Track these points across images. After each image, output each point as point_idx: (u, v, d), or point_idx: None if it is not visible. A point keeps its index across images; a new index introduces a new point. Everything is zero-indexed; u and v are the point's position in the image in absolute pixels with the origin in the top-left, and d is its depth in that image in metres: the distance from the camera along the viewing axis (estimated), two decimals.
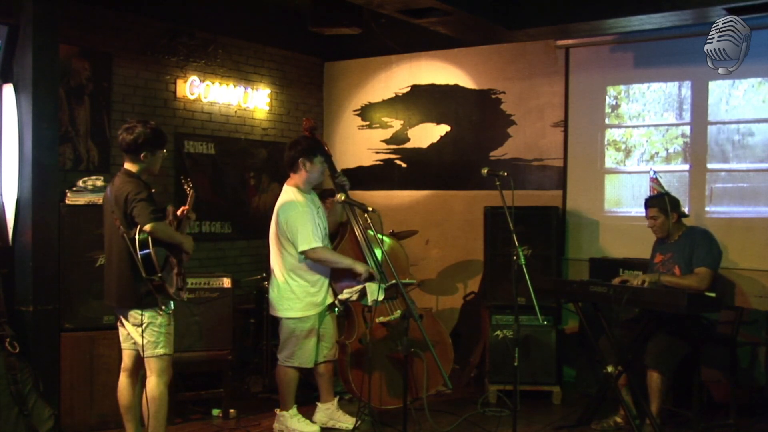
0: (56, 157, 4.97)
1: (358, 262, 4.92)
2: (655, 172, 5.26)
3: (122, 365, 4.33)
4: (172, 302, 4.21)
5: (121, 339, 4.31)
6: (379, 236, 5.07)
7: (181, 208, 4.35)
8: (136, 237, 3.98)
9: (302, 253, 4.78)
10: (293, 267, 4.86)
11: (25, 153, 4.79)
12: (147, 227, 3.96)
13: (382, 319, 4.98)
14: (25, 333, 4.71)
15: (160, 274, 4.00)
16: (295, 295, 4.86)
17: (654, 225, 5.10)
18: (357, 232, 5.14)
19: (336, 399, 5.10)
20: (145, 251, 3.97)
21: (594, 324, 5.16)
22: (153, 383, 4.16)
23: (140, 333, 4.10)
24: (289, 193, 4.93)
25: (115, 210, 4.07)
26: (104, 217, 4.24)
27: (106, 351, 4.98)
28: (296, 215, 4.80)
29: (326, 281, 4.93)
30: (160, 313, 4.15)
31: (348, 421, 5.01)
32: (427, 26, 5.73)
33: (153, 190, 4.17)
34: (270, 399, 5.66)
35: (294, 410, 4.96)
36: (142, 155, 4.15)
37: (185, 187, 4.53)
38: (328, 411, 5.07)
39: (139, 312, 4.09)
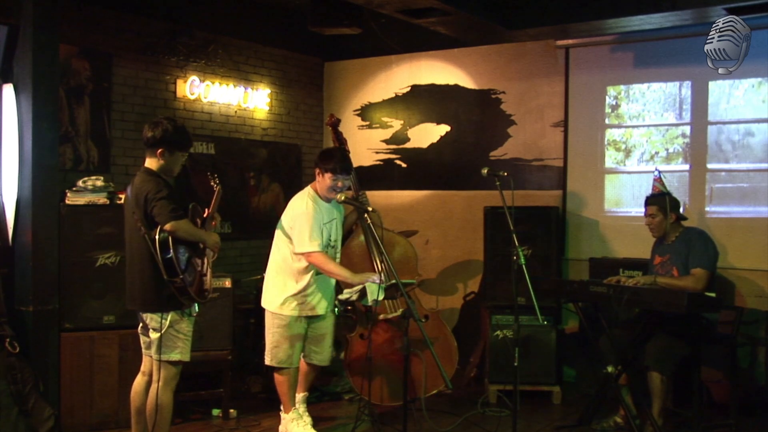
0: (56, 157, 4.96)
1: (357, 274, 4.77)
2: (659, 171, 5.26)
3: (142, 367, 4.25)
4: (196, 305, 4.12)
5: (143, 345, 4.22)
6: (392, 234, 5.25)
7: (206, 210, 4.24)
8: (157, 237, 3.87)
9: (300, 254, 4.74)
10: (283, 265, 4.84)
11: (25, 153, 4.79)
12: (167, 226, 3.84)
13: (382, 316, 5.00)
14: (25, 333, 4.71)
15: (181, 276, 3.89)
16: (276, 289, 4.85)
17: (651, 223, 5.09)
18: (364, 233, 5.18)
19: (303, 394, 5.04)
20: (166, 252, 3.85)
21: (594, 324, 5.16)
22: (159, 390, 4.05)
23: (158, 336, 4.00)
24: (304, 192, 4.93)
25: (135, 210, 3.96)
26: (125, 219, 4.12)
27: (106, 351, 4.98)
28: (301, 217, 4.77)
29: (317, 288, 4.85)
30: (184, 317, 4.06)
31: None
32: (427, 26, 5.73)
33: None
34: (270, 399, 5.66)
35: (294, 413, 4.91)
36: (159, 151, 4.02)
37: (212, 183, 4.38)
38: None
39: (159, 315, 3.99)
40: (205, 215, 4.23)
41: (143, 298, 4.02)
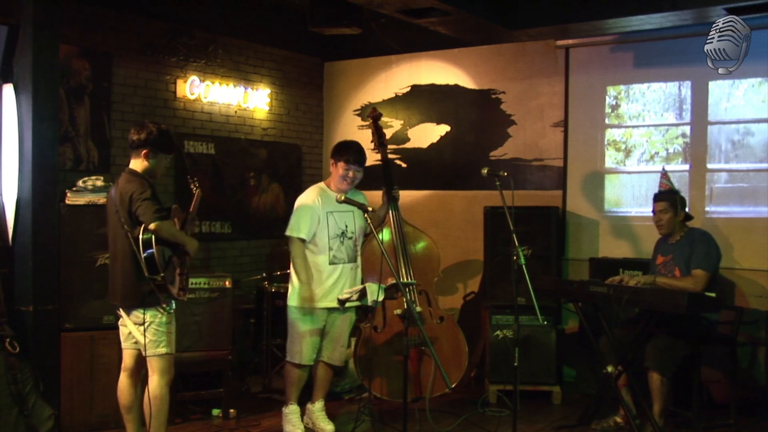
0: (56, 157, 4.96)
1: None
2: (666, 170, 5.28)
3: (123, 365, 4.33)
4: (174, 302, 4.22)
5: (122, 338, 4.31)
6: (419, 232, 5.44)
7: (186, 212, 4.35)
8: (140, 236, 3.99)
9: (286, 236, 4.89)
10: (292, 256, 4.94)
11: (25, 153, 4.79)
12: (152, 226, 3.96)
13: (398, 311, 5.00)
14: (25, 333, 4.71)
15: (162, 274, 4.01)
16: (292, 284, 4.96)
17: (661, 219, 5.06)
18: (388, 233, 5.26)
19: (321, 401, 5.06)
20: (148, 251, 3.98)
21: (594, 324, 5.16)
22: (155, 383, 4.16)
23: (142, 332, 4.11)
24: (312, 186, 5.08)
25: (119, 209, 4.08)
26: (108, 217, 4.24)
27: (106, 351, 4.98)
28: (297, 203, 4.95)
29: (337, 279, 4.89)
30: (162, 312, 4.16)
31: (325, 428, 4.98)
32: (427, 26, 5.73)
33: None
34: (270, 399, 5.66)
35: (292, 407, 4.98)
36: (143, 152, 4.16)
37: (191, 186, 4.50)
38: (308, 410, 5.09)
39: (142, 311, 4.10)
40: (186, 216, 4.34)
41: (123, 294, 4.15)
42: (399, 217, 5.35)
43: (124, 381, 4.30)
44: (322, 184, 5.05)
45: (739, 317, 5.15)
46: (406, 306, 4.57)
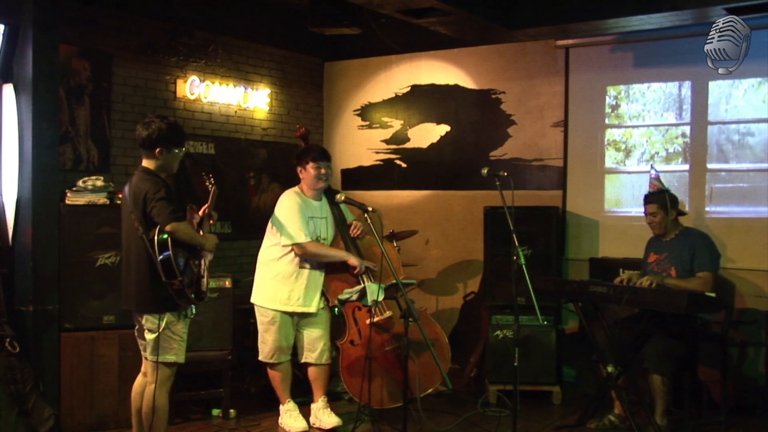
0: (56, 157, 4.97)
1: (352, 255, 4.97)
2: (656, 170, 5.28)
3: (142, 368, 4.22)
4: (193, 307, 4.09)
5: (141, 348, 4.17)
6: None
7: (203, 208, 4.24)
8: (155, 238, 3.82)
9: (291, 246, 4.89)
10: (266, 258, 5.04)
11: (25, 153, 4.79)
12: (168, 227, 3.80)
13: (368, 321, 4.98)
14: (25, 333, 4.71)
15: (180, 278, 3.84)
16: (262, 283, 5.05)
17: (653, 221, 5.11)
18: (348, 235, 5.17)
19: (322, 399, 5.10)
20: (164, 253, 3.80)
21: (594, 323, 5.16)
22: (154, 390, 4.03)
23: (155, 337, 3.98)
24: (290, 190, 5.09)
25: (133, 210, 3.91)
26: (122, 219, 4.08)
27: (106, 351, 4.99)
28: (284, 210, 4.95)
29: (301, 284, 4.94)
30: (178, 318, 4.03)
31: (328, 422, 5.01)
32: (427, 26, 5.73)
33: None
34: (269, 399, 5.65)
35: (288, 405, 5.06)
36: (156, 151, 4.01)
37: (207, 183, 4.38)
38: (312, 410, 5.12)
39: (157, 317, 3.96)
40: (201, 214, 4.23)
41: (139, 299, 3.99)
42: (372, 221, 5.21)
43: (140, 384, 4.19)
44: (297, 189, 5.05)
45: (729, 316, 5.15)
46: (406, 305, 4.58)
